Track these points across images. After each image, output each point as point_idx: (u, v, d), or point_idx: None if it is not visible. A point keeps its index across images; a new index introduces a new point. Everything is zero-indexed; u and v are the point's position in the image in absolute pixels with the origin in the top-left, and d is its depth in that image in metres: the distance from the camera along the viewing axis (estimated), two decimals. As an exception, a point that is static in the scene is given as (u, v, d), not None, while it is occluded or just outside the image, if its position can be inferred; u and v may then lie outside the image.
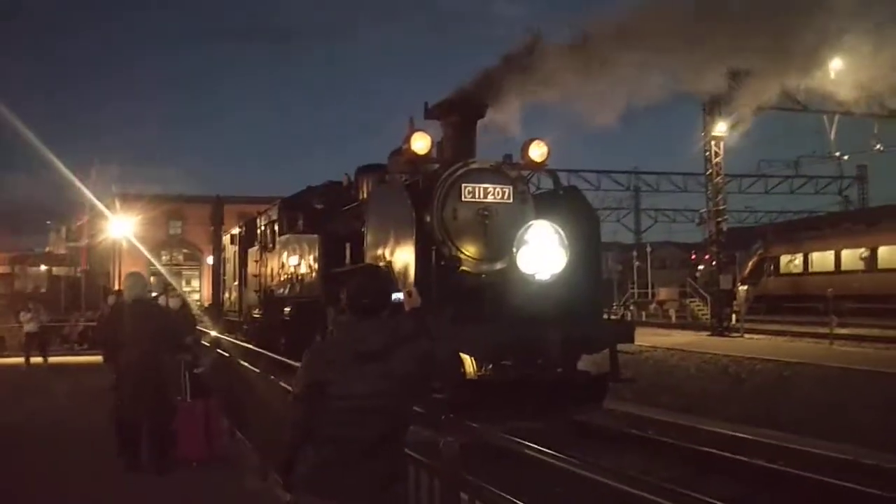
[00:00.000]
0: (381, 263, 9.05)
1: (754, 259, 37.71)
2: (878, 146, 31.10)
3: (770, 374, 14.93)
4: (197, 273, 58.48)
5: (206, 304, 35.77)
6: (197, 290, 57.64)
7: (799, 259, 34.98)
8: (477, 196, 9.00)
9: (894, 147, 31.76)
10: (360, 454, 2.98)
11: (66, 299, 29.88)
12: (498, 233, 8.93)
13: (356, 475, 2.97)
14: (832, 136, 30.46)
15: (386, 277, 3.42)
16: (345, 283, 10.78)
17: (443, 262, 8.70)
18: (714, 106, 25.77)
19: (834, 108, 27.04)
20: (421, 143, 9.30)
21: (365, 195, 11.82)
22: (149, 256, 47.97)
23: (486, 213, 8.93)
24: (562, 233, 8.77)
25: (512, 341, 7.90)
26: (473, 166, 9.16)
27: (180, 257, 60.12)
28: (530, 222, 8.82)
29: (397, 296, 3.28)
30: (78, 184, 35.79)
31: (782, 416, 10.29)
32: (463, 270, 8.89)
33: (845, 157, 35.84)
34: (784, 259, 35.92)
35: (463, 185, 8.96)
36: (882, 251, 30.26)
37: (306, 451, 3.11)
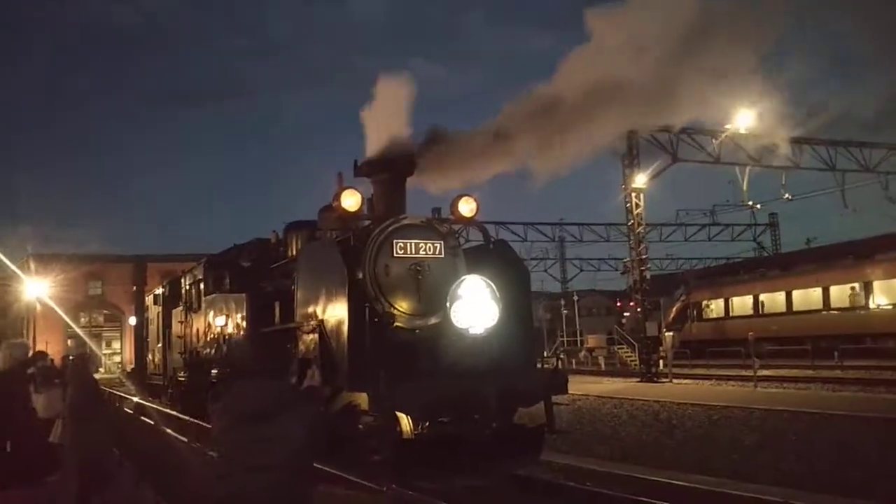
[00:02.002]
0: (313, 322, 8.92)
1: (678, 305, 38.77)
2: (786, 195, 32.80)
3: (699, 419, 15.22)
4: (118, 335, 56.42)
5: (129, 368, 34.42)
6: (118, 353, 55.51)
7: (720, 304, 36.15)
8: (409, 251, 9.00)
9: (801, 195, 33.62)
10: None
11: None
12: (431, 288, 8.91)
13: None
14: (745, 186, 31.97)
15: (266, 345, 3.77)
16: (279, 342, 10.58)
17: (376, 319, 8.61)
18: (632, 160, 26.78)
19: (745, 160, 28.54)
20: (351, 200, 9.28)
21: (294, 252, 11.67)
22: (65, 319, 46.09)
23: (418, 268, 8.92)
24: (493, 286, 8.82)
25: (448, 397, 7.82)
26: (405, 222, 9.17)
27: (101, 318, 57.96)
28: (462, 277, 8.85)
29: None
30: (-12, 245, 34.23)
31: (714, 461, 10.46)
32: (396, 326, 8.82)
33: (758, 206, 37.64)
34: (706, 304, 37.06)
35: (395, 240, 8.95)
36: (796, 294, 31.63)
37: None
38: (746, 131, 26.27)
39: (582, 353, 40.75)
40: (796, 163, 29.04)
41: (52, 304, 41.31)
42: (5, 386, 6.97)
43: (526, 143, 9.08)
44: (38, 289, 40.44)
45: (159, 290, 20.44)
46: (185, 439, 7.10)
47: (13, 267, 40.91)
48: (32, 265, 44.99)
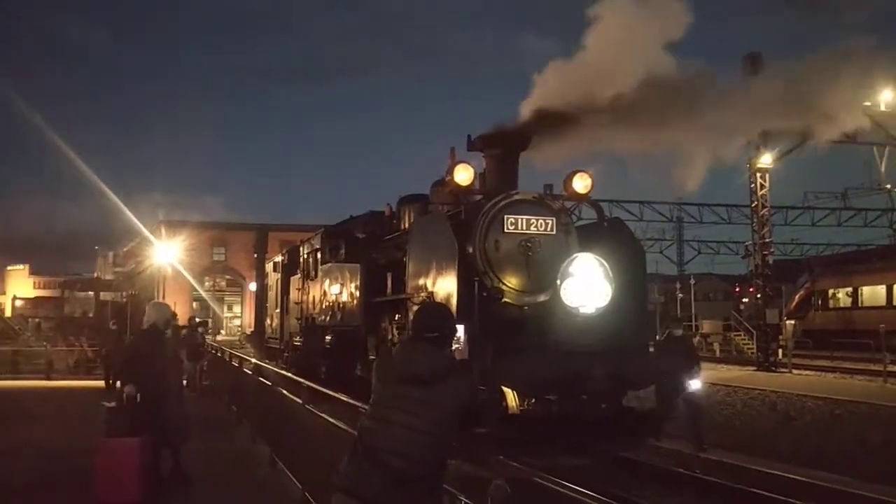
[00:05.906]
0: (423, 294, 9.02)
1: (801, 293, 36.88)
2: (930, 178, 30.37)
3: (820, 413, 14.48)
4: (239, 299, 59.23)
5: (249, 331, 36.13)
6: (238, 316, 58.36)
7: (848, 293, 34.10)
8: (520, 227, 8.95)
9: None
10: (386, 473, 3.03)
11: (112, 324, 30.36)
12: (541, 265, 8.84)
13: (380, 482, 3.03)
14: (882, 167, 29.80)
15: (453, 317, 3.62)
16: (390, 311, 10.82)
17: (485, 294, 8.62)
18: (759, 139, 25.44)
19: (884, 140, 26.54)
20: (464, 175, 9.30)
21: (407, 225, 11.84)
22: (192, 282, 48.81)
23: (528, 244, 8.86)
24: (606, 265, 8.64)
25: (556, 376, 7.75)
26: (516, 197, 9.11)
27: (223, 283, 61.01)
28: (574, 254, 8.71)
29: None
30: (126, 211, 36.67)
31: (835, 457, 9.93)
32: (505, 302, 8.79)
33: (896, 190, 35.02)
34: (832, 293, 35.06)
35: (506, 216, 8.92)
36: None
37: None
38: (887, 109, 24.40)
39: (696, 339, 39.54)
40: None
41: (180, 268, 43.81)
42: (141, 343, 7.42)
43: (650, 119, 8.80)
44: (168, 253, 42.87)
45: (279, 258, 21.30)
46: (299, 400, 7.35)
47: (146, 232, 43.62)
48: (163, 230, 47.75)
